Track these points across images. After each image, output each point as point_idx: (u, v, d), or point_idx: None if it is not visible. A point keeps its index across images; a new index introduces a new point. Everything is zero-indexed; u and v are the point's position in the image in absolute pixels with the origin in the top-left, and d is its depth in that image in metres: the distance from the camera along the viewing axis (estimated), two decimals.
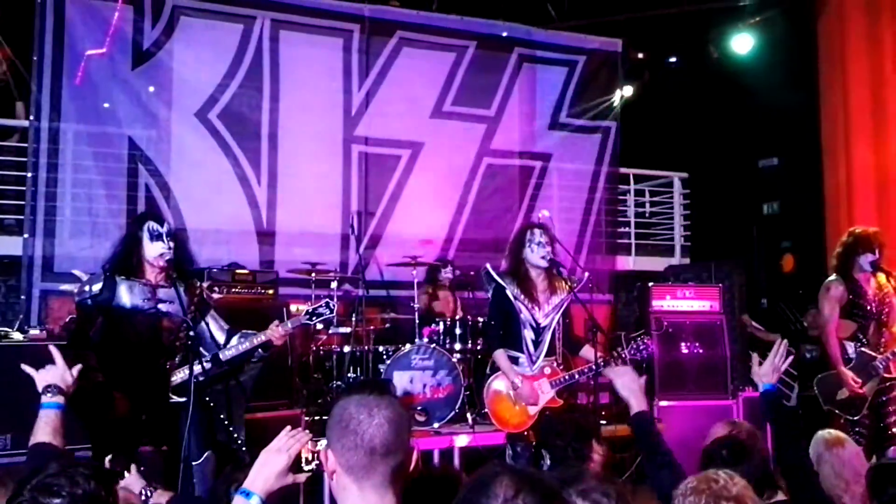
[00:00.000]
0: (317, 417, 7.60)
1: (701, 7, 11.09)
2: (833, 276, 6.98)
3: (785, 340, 4.20)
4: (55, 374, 3.72)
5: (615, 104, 12.07)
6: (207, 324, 5.51)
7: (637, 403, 3.87)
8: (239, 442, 5.60)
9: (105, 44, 9.27)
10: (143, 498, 3.72)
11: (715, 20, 11.50)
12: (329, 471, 2.47)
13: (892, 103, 9.69)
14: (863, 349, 6.75)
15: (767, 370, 4.07)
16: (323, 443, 2.53)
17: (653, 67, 12.69)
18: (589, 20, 11.70)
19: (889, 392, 6.78)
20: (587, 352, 6.25)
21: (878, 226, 7.91)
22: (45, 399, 3.61)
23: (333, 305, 5.84)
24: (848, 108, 9.87)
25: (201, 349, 5.43)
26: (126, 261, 5.30)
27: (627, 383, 3.91)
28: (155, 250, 5.28)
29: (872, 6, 9.77)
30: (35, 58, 9.06)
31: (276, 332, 5.48)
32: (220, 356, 5.36)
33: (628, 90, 12.20)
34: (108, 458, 4.22)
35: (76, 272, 5.45)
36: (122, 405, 5.03)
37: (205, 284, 5.95)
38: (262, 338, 5.46)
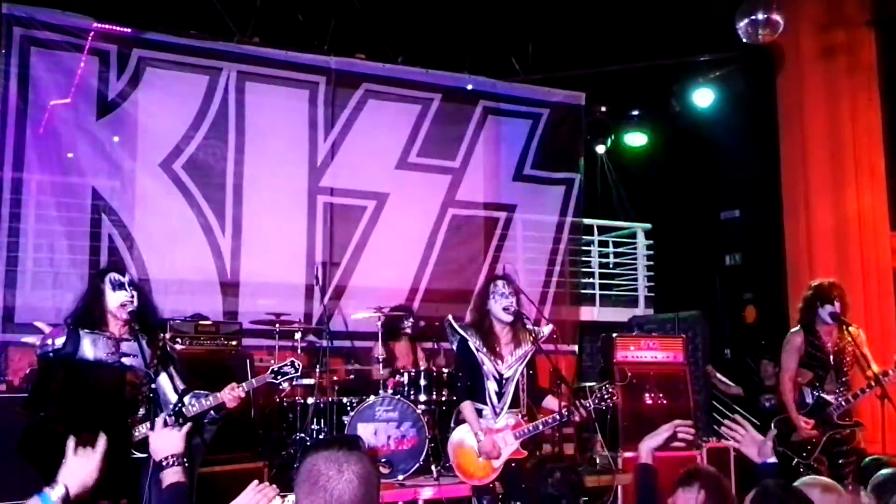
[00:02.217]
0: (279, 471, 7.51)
1: (662, 62, 11.25)
2: (795, 329, 7.18)
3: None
4: (78, 472, 3.34)
5: (578, 156, 12.19)
6: (160, 382, 5.34)
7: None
8: None
9: (70, 94, 9.25)
10: None
11: (676, 75, 11.68)
12: None
13: (850, 157, 9.88)
14: (820, 395, 6.87)
15: (766, 449, 4.09)
16: (290, 499, 2.50)
17: (615, 120, 12.84)
18: (552, 74, 11.83)
19: (842, 444, 6.89)
20: (551, 402, 6.24)
21: (838, 277, 8.01)
22: (48, 492, 3.20)
23: (298, 365, 5.81)
24: (807, 161, 10.04)
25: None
26: (89, 313, 5.22)
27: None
28: (117, 300, 5.22)
29: (830, 62, 9.97)
30: None
31: (228, 395, 5.41)
32: (185, 411, 5.27)
33: (591, 142, 12.33)
34: None
35: (38, 324, 5.35)
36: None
37: (167, 336, 5.86)
38: (213, 400, 5.38)
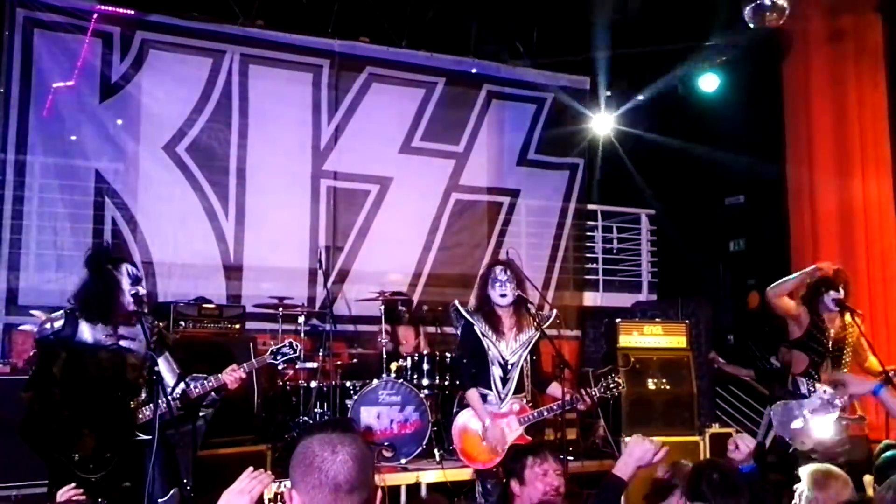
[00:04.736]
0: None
1: (668, 46, 11.19)
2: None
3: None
4: None
5: (583, 141, 12.17)
6: (161, 364, 5.31)
7: (623, 469, 3.89)
8: (189, 488, 5.50)
9: (73, 76, 9.23)
10: None
11: (682, 59, 11.61)
12: None
13: (856, 143, 9.82)
14: (817, 386, 6.77)
15: (744, 455, 4.12)
16: (286, 484, 2.52)
17: (620, 105, 12.79)
18: (557, 58, 11.78)
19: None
20: (555, 389, 6.25)
21: (842, 263, 8.00)
22: None
23: (297, 346, 5.82)
24: (812, 147, 9.99)
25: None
26: (101, 305, 5.13)
27: (635, 452, 3.93)
28: (134, 294, 5.19)
29: (836, 48, 9.92)
30: (2, 90, 9.01)
31: (229, 377, 5.42)
32: (189, 393, 5.28)
33: (600, 125, 12.28)
34: (60, 492, 4.16)
35: (35, 313, 5.35)
36: (88, 440, 4.95)
37: (161, 324, 5.83)
38: (214, 382, 5.40)
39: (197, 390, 5.33)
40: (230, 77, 10.18)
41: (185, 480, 5.46)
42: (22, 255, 9.01)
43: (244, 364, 5.60)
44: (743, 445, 4.12)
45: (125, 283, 5.19)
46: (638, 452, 3.86)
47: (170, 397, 5.15)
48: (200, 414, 5.79)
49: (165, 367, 5.36)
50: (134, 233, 9.51)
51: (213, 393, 5.44)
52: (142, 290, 5.22)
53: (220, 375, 5.42)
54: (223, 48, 10.18)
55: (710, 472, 3.83)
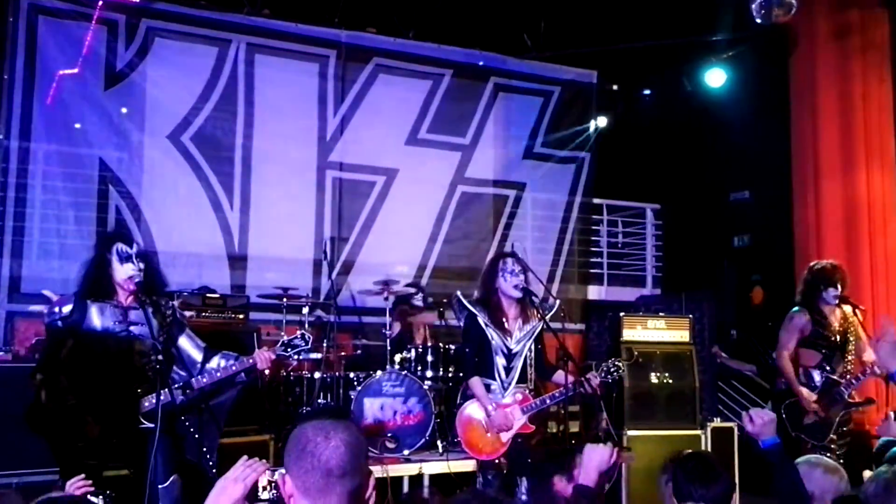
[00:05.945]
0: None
1: (675, 41, 11.15)
2: (797, 308, 7.13)
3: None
4: None
5: (589, 135, 12.15)
6: (181, 345, 5.40)
7: (585, 477, 3.89)
8: (211, 464, 5.49)
9: (78, 64, 9.22)
10: None
11: (688, 54, 11.58)
12: (286, 495, 2.50)
13: (861, 139, 9.78)
14: (829, 376, 6.86)
15: (759, 427, 4.10)
16: (281, 472, 2.56)
17: (627, 99, 12.76)
18: (564, 51, 11.74)
19: (846, 424, 6.94)
20: (559, 377, 6.26)
21: (846, 259, 8.01)
22: None
23: (309, 337, 5.80)
24: (818, 142, 9.94)
25: (178, 370, 5.35)
26: (96, 284, 5.18)
27: (593, 459, 3.93)
28: (125, 272, 5.18)
29: (843, 43, 9.88)
30: (6, 77, 9.00)
31: (261, 358, 5.41)
32: (193, 383, 5.27)
33: (602, 121, 12.26)
34: (69, 483, 4.16)
35: (46, 292, 5.33)
36: (93, 428, 4.95)
37: (176, 303, 5.85)
38: (248, 362, 5.39)
39: (204, 380, 5.31)
40: (236, 66, 10.17)
41: (208, 456, 5.43)
42: (25, 243, 9.01)
43: (271, 349, 5.60)
44: (757, 418, 4.10)
45: (115, 261, 5.20)
46: (596, 459, 3.87)
47: (175, 387, 5.15)
48: (231, 392, 5.76)
49: (190, 344, 5.45)
50: (138, 222, 9.52)
51: (242, 374, 5.45)
52: (132, 269, 5.19)
53: (251, 357, 5.42)
54: (229, 37, 10.17)
55: (686, 461, 3.85)
